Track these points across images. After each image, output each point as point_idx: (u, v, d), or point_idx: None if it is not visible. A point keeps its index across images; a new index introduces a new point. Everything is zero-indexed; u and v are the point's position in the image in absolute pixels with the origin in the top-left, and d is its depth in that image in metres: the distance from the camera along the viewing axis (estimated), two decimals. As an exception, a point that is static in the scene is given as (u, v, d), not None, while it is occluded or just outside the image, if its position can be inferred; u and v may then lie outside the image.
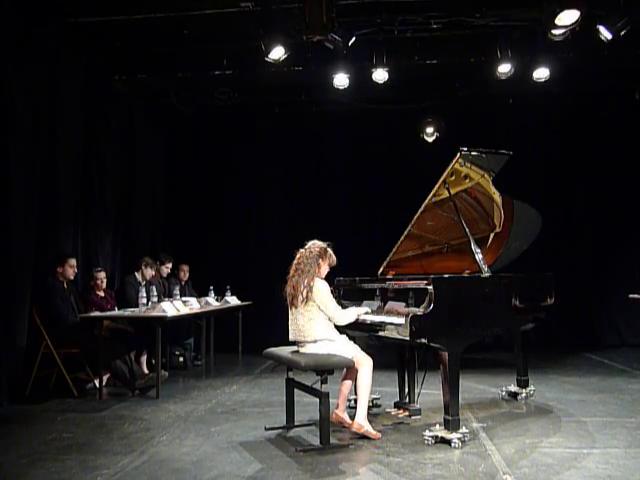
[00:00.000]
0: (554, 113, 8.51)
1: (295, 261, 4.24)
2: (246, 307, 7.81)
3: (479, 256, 4.48)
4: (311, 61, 6.94)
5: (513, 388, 5.29)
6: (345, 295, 5.07)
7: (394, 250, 5.07)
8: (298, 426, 4.36)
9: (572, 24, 5.49)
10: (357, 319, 4.34)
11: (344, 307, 4.48)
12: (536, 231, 5.20)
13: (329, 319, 4.16)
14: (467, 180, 4.77)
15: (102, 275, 6.44)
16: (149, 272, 6.94)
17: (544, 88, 7.36)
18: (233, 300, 7.57)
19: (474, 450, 3.82)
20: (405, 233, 4.95)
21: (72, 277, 6.03)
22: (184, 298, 6.62)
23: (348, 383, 4.32)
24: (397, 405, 4.85)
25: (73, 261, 5.99)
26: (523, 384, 5.25)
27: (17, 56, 5.52)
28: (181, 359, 7.17)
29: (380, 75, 6.80)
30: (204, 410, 4.99)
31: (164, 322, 5.56)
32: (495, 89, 7.66)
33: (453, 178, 4.65)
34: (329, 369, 3.91)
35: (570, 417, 4.61)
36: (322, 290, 4.12)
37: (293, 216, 8.88)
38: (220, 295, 7.48)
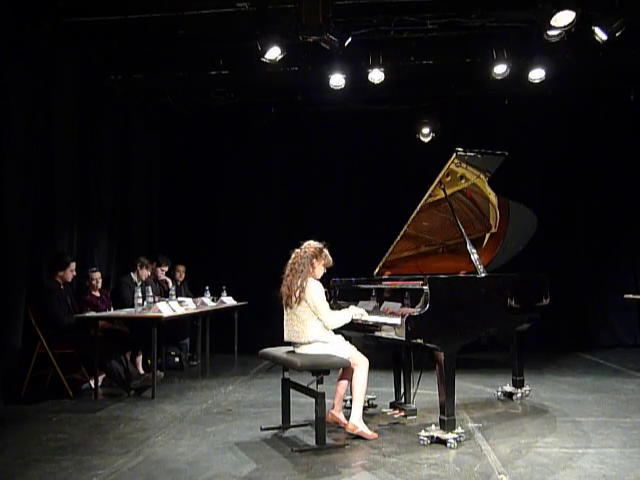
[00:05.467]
0: (550, 114, 8.53)
1: (290, 261, 4.23)
2: (242, 307, 7.80)
3: (475, 256, 4.49)
4: (307, 61, 6.94)
5: (509, 388, 5.30)
6: (341, 295, 5.07)
7: (390, 250, 5.08)
8: (294, 426, 4.36)
9: (567, 25, 5.51)
10: (353, 319, 4.33)
11: (340, 308, 4.48)
12: (532, 231, 5.21)
13: (322, 321, 4.16)
14: (463, 181, 4.77)
15: (97, 275, 6.42)
16: (144, 272, 6.93)
17: (540, 89, 7.40)
18: (229, 300, 7.56)
19: (470, 450, 3.82)
20: (401, 233, 4.96)
21: (70, 280, 6.04)
22: (180, 298, 6.61)
23: (344, 383, 4.32)
24: (393, 405, 4.86)
25: (74, 265, 6.00)
26: (518, 384, 5.27)
27: (12, 56, 5.50)
28: (177, 359, 7.16)
29: (376, 75, 6.81)
30: (200, 410, 4.98)
31: (160, 322, 5.55)
32: (491, 90, 7.68)
33: (449, 179, 4.66)
34: (325, 369, 3.91)
35: (565, 417, 4.62)
36: (314, 291, 4.10)
37: (289, 216, 8.88)
38: (216, 295, 7.47)
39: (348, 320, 4.23)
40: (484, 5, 6.07)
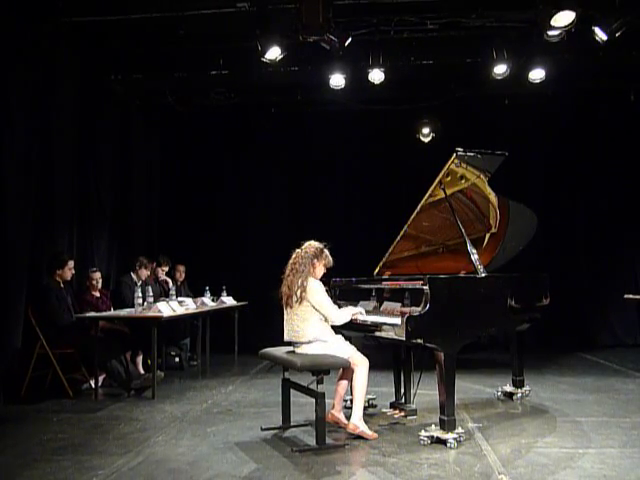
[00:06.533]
0: (549, 114, 8.53)
1: (291, 261, 4.24)
2: (242, 307, 7.80)
3: (475, 256, 4.49)
4: (307, 61, 6.94)
5: (509, 388, 5.30)
6: (341, 295, 5.07)
7: (390, 250, 5.08)
8: (294, 426, 4.36)
9: (567, 25, 5.51)
10: (353, 319, 4.34)
11: (340, 307, 4.48)
12: (532, 231, 5.21)
13: (325, 319, 4.16)
14: (463, 181, 4.77)
15: (97, 275, 6.42)
16: (144, 272, 6.93)
17: (540, 89, 7.40)
18: (229, 300, 7.56)
19: (470, 450, 3.82)
20: (401, 233, 4.96)
21: (69, 278, 6.04)
22: (180, 298, 6.61)
23: (344, 383, 4.32)
24: (393, 405, 4.86)
25: (72, 263, 6.00)
26: (519, 384, 5.27)
27: (13, 56, 5.50)
28: (177, 359, 7.17)
29: (376, 75, 6.81)
30: (200, 410, 4.98)
31: (160, 322, 5.55)
32: (491, 90, 7.68)
33: (449, 179, 4.66)
34: (325, 369, 3.91)
35: (565, 417, 4.62)
36: (316, 289, 4.11)
37: (289, 216, 8.89)
38: (216, 295, 7.46)
39: (350, 317, 4.26)
40: (484, 5, 6.07)
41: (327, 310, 4.12)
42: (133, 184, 8.31)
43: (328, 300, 4.15)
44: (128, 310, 6.02)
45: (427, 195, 4.71)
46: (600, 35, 5.71)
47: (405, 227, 4.92)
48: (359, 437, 4.06)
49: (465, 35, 6.53)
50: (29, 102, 5.77)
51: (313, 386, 3.92)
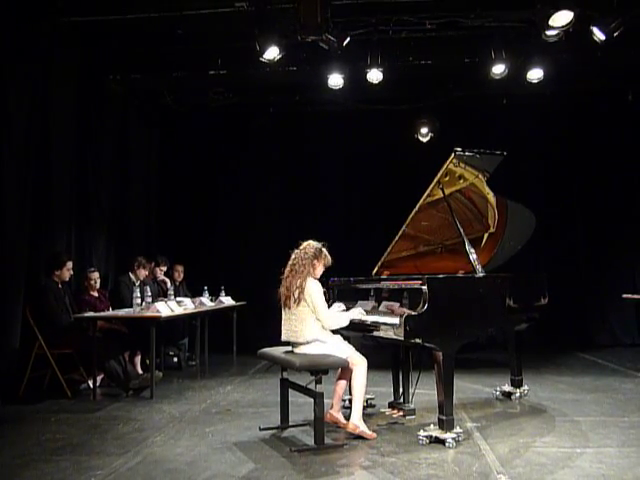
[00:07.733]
0: (548, 114, 8.54)
1: (290, 262, 4.23)
2: (240, 307, 7.80)
3: (473, 256, 4.49)
4: (306, 61, 6.94)
5: (507, 388, 5.30)
6: (340, 295, 5.07)
7: (388, 250, 5.08)
8: (292, 426, 4.36)
9: (566, 25, 5.52)
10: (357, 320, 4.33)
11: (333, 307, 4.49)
12: (530, 231, 5.21)
13: (321, 320, 4.15)
14: (461, 180, 4.78)
15: (96, 275, 6.42)
16: (142, 272, 6.92)
17: (538, 89, 7.40)
18: (227, 300, 7.56)
19: (468, 450, 3.82)
20: (400, 233, 4.96)
21: (67, 279, 6.03)
22: (178, 298, 6.60)
23: (343, 383, 4.32)
24: (391, 405, 4.86)
25: (70, 264, 5.99)
26: (517, 384, 5.27)
27: (11, 56, 5.50)
28: (175, 359, 7.16)
29: (374, 75, 6.81)
30: (198, 410, 4.98)
31: (158, 322, 5.55)
32: (489, 90, 7.69)
33: (447, 178, 4.67)
34: (324, 369, 3.91)
35: (564, 416, 4.62)
36: (314, 291, 4.10)
37: (288, 216, 8.88)
38: (214, 295, 7.46)
39: (346, 323, 4.23)
40: (482, 5, 6.07)
41: (320, 314, 4.10)
42: (131, 184, 8.31)
43: (323, 303, 4.12)
44: (126, 310, 6.02)
45: (425, 195, 4.71)
46: (598, 35, 5.72)
47: (404, 227, 4.92)
48: (358, 437, 4.06)
49: (463, 35, 6.54)
50: (27, 102, 5.77)
51: (312, 386, 3.92)
